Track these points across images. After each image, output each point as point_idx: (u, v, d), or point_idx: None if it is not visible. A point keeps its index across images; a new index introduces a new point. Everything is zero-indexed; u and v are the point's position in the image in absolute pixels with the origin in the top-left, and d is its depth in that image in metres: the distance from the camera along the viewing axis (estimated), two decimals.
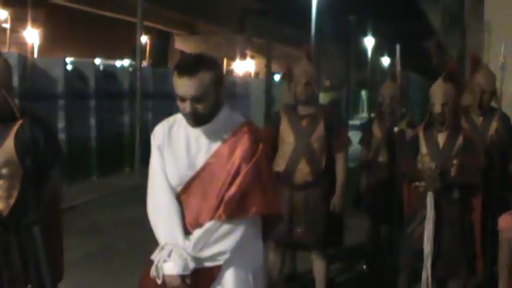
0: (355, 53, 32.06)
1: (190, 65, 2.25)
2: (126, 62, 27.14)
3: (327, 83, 28.12)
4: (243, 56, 33.40)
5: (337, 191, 4.16)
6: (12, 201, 2.70)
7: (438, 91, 3.70)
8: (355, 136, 5.08)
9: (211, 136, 2.35)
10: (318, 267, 4.27)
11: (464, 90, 4.40)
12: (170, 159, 2.39)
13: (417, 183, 3.71)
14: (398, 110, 5.17)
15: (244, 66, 34.67)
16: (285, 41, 31.10)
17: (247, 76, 31.24)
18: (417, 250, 3.69)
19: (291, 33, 31.24)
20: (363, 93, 38.24)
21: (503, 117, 4.60)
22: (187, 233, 2.34)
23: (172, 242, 2.32)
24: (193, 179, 2.36)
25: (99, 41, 30.74)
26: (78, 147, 10.15)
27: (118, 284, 4.89)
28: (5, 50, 22.12)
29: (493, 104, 4.62)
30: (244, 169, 2.29)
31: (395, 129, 4.91)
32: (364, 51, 38.05)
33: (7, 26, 26.80)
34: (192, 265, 2.29)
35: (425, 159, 3.74)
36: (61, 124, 9.67)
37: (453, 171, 3.65)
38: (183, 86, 2.24)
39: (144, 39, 27.27)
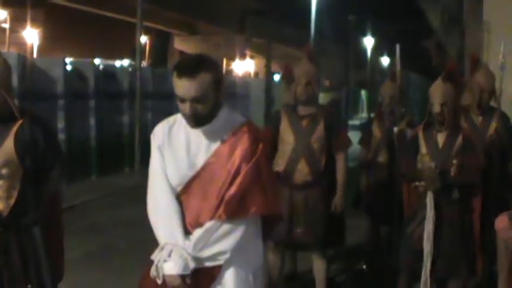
0: (354, 53, 32.08)
1: (190, 66, 2.25)
2: (125, 62, 27.12)
3: (327, 83, 28.10)
4: (243, 56, 33.40)
5: (338, 191, 4.17)
6: (12, 201, 2.70)
7: (437, 91, 3.70)
8: (354, 136, 5.08)
9: (211, 136, 2.35)
10: (318, 267, 4.27)
11: (464, 90, 4.41)
12: (170, 159, 2.39)
13: (417, 183, 3.71)
14: (398, 110, 5.17)
15: (243, 66, 34.67)
16: (284, 41, 31.10)
17: (246, 76, 31.24)
18: (417, 250, 3.69)
19: (290, 33, 31.25)
20: (363, 93, 38.26)
21: (503, 116, 4.60)
22: (187, 233, 2.35)
23: (173, 241, 2.32)
24: (193, 178, 2.36)
25: (99, 41, 30.73)
26: (77, 147, 10.15)
27: (118, 284, 4.89)
28: (5, 50, 22.11)
29: (493, 103, 4.63)
30: (244, 169, 2.30)
31: (395, 129, 4.91)
32: (364, 51, 38.06)
33: (6, 26, 26.79)
34: (192, 265, 2.29)
35: (425, 159, 3.74)
36: (61, 124, 9.67)
37: (453, 171, 3.66)
38: (183, 87, 2.24)
39: (144, 39, 27.27)
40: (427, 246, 3.63)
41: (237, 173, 2.30)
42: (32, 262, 2.73)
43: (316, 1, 23.15)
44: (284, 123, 4.18)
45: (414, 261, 3.75)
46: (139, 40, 11.81)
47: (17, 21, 26.75)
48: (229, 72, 31.11)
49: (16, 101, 2.86)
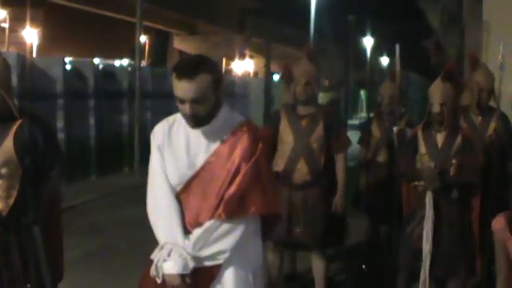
0: (354, 53, 32.08)
1: (189, 68, 2.25)
2: (125, 62, 27.09)
3: (326, 82, 28.11)
4: (242, 56, 33.40)
5: (338, 191, 4.17)
6: (11, 201, 2.71)
7: (437, 91, 3.70)
8: (354, 136, 5.09)
9: (211, 136, 2.35)
10: (318, 266, 4.28)
11: (463, 90, 4.41)
12: (170, 158, 2.39)
13: (416, 183, 3.71)
14: (397, 109, 5.18)
15: (243, 66, 34.66)
16: (284, 40, 31.11)
17: (246, 76, 31.24)
18: (416, 250, 3.69)
19: (290, 33, 31.25)
20: (362, 93, 38.26)
21: (502, 116, 4.61)
22: (187, 232, 2.35)
23: (172, 241, 2.32)
24: (193, 178, 2.36)
25: (98, 41, 30.71)
26: (77, 147, 10.15)
27: (117, 283, 4.89)
28: (4, 49, 22.09)
29: (492, 103, 4.63)
30: (244, 168, 2.30)
31: (395, 129, 4.91)
32: (363, 51, 38.07)
33: (6, 25, 26.77)
34: (191, 264, 2.30)
35: (424, 159, 3.74)
36: (60, 124, 9.67)
37: (452, 170, 3.66)
38: (183, 88, 2.24)
39: (143, 39, 27.24)
40: (426, 246, 3.63)
41: (236, 172, 2.30)
42: (32, 262, 2.73)
43: (315, 1, 23.15)
44: (283, 123, 4.18)
45: (413, 261, 3.75)
46: (138, 40, 11.81)
47: (17, 21, 26.72)
48: (229, 71, 31.11)
49: (15, 101, 2.86)
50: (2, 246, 2.69)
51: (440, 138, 3.75)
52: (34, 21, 26.74)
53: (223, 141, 2.35)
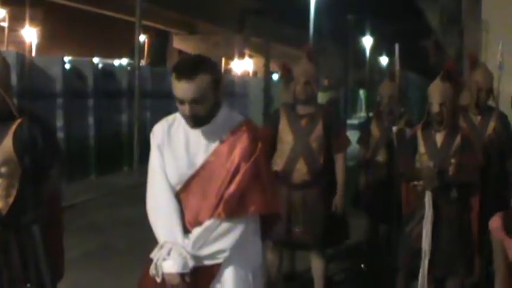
0: (353, 53, 32.10)
1: (189, 69, 2.25)
2: (124, 61, 27.07)
3: (326, 82, 28.14)
4: (242, 56, 33.39)
5: (338, 191, 4.17)
6: (11, 200, 2.71)
7: (436, 91, 3.71)
8: (353, 135, 5.09)
9: (211, 135, 2.36)
10: (317, 266, 4.28)
11: (462, 90, 4.41)
12: (170, 158, 2.40)
13: (415, 183, 3.71)
14: (397, 109, 5.18)
15: (242, 66, 34.65)
16: (283, 40, 31.10)
17: (245, 75, 31.24)
18: (415, 249, 3.69)
19: (289, 32, 31.24)
20: (361, 92, 38.29)
21: (501, 116, 4.61)
22: (186, 231, 2.35)
23: (172, 240, 2.33)
24: (192, 177, 2.36)
25: (98, 40, 30.67)
26: (76, 146, 10.15)
27: (117, 282, 4.89)
28: (3, 48, 22.08)
29: (491, 103, 4.64)
30: (244, 168, 2.30)
31: (394, 128, 4.91)
32: (363, 50, 38.08)
33: (5, 24, 26.74)
34: (191, 263, 2.30)
35: (424, 159, 3.74)
36: (59, 123, 9.67)
37: (451, 170, 3.66)
38: (182, 89, 2.24)
39: (143, 38, 27.25)
40: (425, 245, 3.63)
41: (236, 171, 2.30)
42: (32, 261, 2.73)
43: (315, 1, 23.16)
44: (283, 122, 4.18)
45: (412, 260, 3.75)
46: (138, 39, 11.81)
47: (16, 20, 26.69)
48: (228, 71, 31.10)
49: (15, 100, 2.86)
50: (2, 245, 2.69)
51: (439, 137, 3.75)
52: (33, 21, 26.72)
53: (222, 141, 2.35)
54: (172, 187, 2.39)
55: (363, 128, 5.55)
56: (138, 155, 10.85)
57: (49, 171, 2.82)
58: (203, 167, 2.35)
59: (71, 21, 28.90)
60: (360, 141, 5.36)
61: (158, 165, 2.41)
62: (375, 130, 5.20)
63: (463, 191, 3.69)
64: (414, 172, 3.75)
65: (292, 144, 4.12)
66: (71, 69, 10.61)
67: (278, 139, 4.17)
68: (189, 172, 2.36)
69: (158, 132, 2.44)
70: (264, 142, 2.41)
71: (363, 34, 37.84)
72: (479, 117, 4.55)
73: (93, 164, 10.63)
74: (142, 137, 10.54)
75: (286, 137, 4.15)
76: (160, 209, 2.39)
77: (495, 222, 2.95)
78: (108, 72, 11.81)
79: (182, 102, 2.27)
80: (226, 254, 2.33)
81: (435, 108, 3.67)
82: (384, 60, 46.04)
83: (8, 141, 2.71)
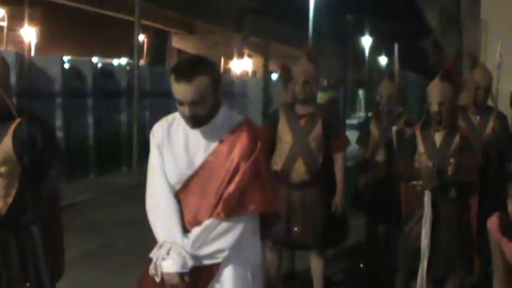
0: (352, 53, 32.07)
1: (187, 70, 2.25)
2: (123, 61, 27.05)
3: (325, 82, 28.14)
4: (241, 55, 33.39)
5: (338, 191, 4.17)
6: (10, 199, 2.71)
7: (435, 90, 3.71)
8: (352, 135, 5.09)
9: (210, 135, 2.36)
10: (316, 266, 4.28)
11: (462, 90, 4.41)
12: (169, 157, 2.40)
13: (414, 182, 3.71)
14: (396, 109, 5.18)
15: (241, 65, 34.64)
16: (282, 40, 31.09)
17: (244, 75, 31.24)
18: (414, 249, 3.70)
19: (288, 32, 31.24)
20: (360, 92, 38.29)
21: (500, 116, 4.62)
22: (186, 231, 2.36)
23: (171, 240, 2.33)
24: (192, 177, 2.37)
25: (97, 40, 30.64)
26: (75, 146, 10.15)
27: (117, 282, 4.89)
28: (2, 48, 22.07)
29: (490, 102, 4.64)
30: (243, 167, 2.31)
31: (393, 128, 4.91)
32: (362, 50, 38.08)
33: (4, 24, 26.72)
34: (190, 263, 2.30)
35: (423, 158, 3.74)
36: (58, 123, 9.66)
37: (450, 170, 3.66)
38: (181, 91, 2.25)
39: (142, 37, 27.20)
40: (424, 245, 3.64)
41: (235, 171, 2.31)
42: (31, 261, 2.73)
43: (314, 0, 23.15)
44: (282, 122, 4.18)
45: (411, 260, 3.75)
46: (137, 39, 11.80)
47: (15, 20, 26.67)
48: (227, 71, 31.10)
49: (14, 100, 2.87)
50: (1, 245, 2.70)
51: (438, 137, 3.75)
52: (32, 20, 26.71)
53: (222, 141, 2.35)
54: (171, 187, 2.39)
55: (362, 127, 5.55)
56: (137, 154, 10.85)
57: (48, 170, 2.83)
58: (202, 166, 2.36)
59: (70, 21, 28.88)
60: (359, 141, 5.36)
61: (158, 165, 2.41)
62: (374, 130, 5.20)
63: (462, 191, 3.69)
64: (413, 172, 3.75)
65: (291, 144, 4.12)
66: (70, 68, 10.61)
67: (277, 139, 4.17)
68: (189, 172, 2.37)
69: (158, 132, 2.44)
70: (264, 142, 2.42)
71: (362, 34, 37.84)
72: (478, 117, 4.55)
73: (93, 164, 10.62)
74: (141, 137, 10.54)
75: (285, 136, 4.15)
76: (159, 208, 2.39)
77: (492, 223, 2.95)
78: (107, 72, 11.81)
79: (182, 103, 2.27)
80: (225, 254, 2.34)
81: (434, 107, 3.67)
82: (383, 60, 46.04)
83: (8, 141, 2.71)
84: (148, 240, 2.44)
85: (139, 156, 10.63)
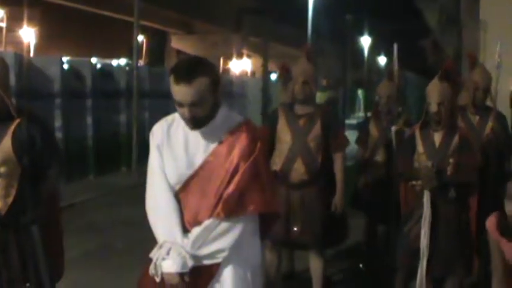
0: (351, 52, 32.10)
1: (187, 72, 2.25)
2: (122, 61, 27.09)
3: (324, 82, 28.12)
4: (240, 55, 33.40)
5: (337, 191, 4.16)
6: (10, 199, 2.71)
7: (434, 90, 3.71)
8: (351, 135, 5.09)
9: (210, 135, 2.36)
10: (315, 266, 4.28)
11: (461, 90, 4.42)
12: (169, 158, 2.40)
13: (414, 182, 3.71)
14: (395, 109, 5.18)
15: (240, 65, 34.66)
16: (281, 40, 31.11)
17: (243, 75, 31.25)
18: (414, 249, 3.70)
19: (287, 32, 31.25)
20: (360, 92, 38.28)
21: (499, 116, 4.62)
22: (186, 231, 2.36)
23: (171, 240, 2.33)
24: (191, 177, 2.37)
25: (96, 40, 30.66)
26: (75, 146, 10.14)
27: (117, 282, 4.90)
28: (1, 49, 22.08)
29: (489, 103, 4.64)
30: (243, 167, 2.31)
31: (393, 128, 4.92)
32: (361, 50, 38.11)
33: (3, 25, 26.73)
34: (190, 263, 2.30)
35: (422, 158, 3.75)
36: (58, 123, 9.66)
37: (449, 170, 3.66)
38: (181, 92, 2.25)
39: (141, 38, 27.23)
40: (424, 245, 3.64)
41: (235, 171, 2.31)
42: (31, 261, 2.73)
43: (313, 0, 23.16)
44: (281, 122, 4.19)
45: (411, 260, 3.75)
46: (136, 39, 11.80)
47: (14, 20, 26.67)
48: (226, 71, 31.11)
49: (13, 100, 2.87)
50: (1, 245, 2.70)
51: (437, 137, 3.75)
52: (31, 21, 26.70)
53: (221, 141, 2.36)
54: (171, 187, 2.39)
55: (362, 127, 5.55)
56: (136, 155, 10.85)
57: (48, 171, 2.83)
58: (202, 167, 2.36)
59: (69, 22, 28.89)
60: (358, 141, 5.36)
61: (157, 165, 2.41)
62: (373, 130, 5.20)
63: (461, 191, 3.69)
64: (412, 172, 3.75)
65: (290, 144, 4.12)
66: (69, 69, 10.61)
67: (276, 139, 4.17)
68: (188, 172, 2.37)
69: (157, 133, 2.44)
70: (263, 142, 2.42)
71: (361, 34, 37.87)
72: (477, 117, 4.56)
73: (92, 164, 10.62)
74: (140, 137, 10.54)
75: (284, 136, 4.15)
76: (159, 208, 2.39)
77: (490, 223, 2.95)
78: (107, 73, 11.81)
79: (181, 105, 2.27)
80: (225, 254, 2.34)
81: (433, 107, 3.68)
82: (382, 60, 46.08)
83: (7, 141, 2.71)
84: (148, 240, 2.44)
85: (139, 156, 10.63)
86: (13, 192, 2.72)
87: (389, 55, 33.41)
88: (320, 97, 18.78)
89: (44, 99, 9.46)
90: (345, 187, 4.21)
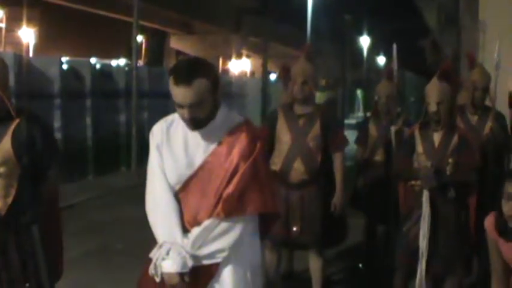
0: (350, 52, 32.07)
1: (186, 73, 2.26)
2: (121, 61, 27.11)
3: (323, 82, 28.09)
4: (239, 55, 33.40)
5: (337, 190, 4.17)
6: (10, 199, 2.71)
7: (433, 90, 3.71)
8: (351, 135, 5.10)
9: (209, 136, 2.37)
10: (315, 266, 4.28)
11: (460, 89, 4.42)
12: (169, 158, 2.41)
13: (413, 182, 3.72)
14: (394, 109, 5.18)
15: (240, 66, 34.67)
16: (281, 40, 31.10)
17: (243, 75, 31.26)
18: (413, 249, 3.70)
19: (287, 32, 31.25)
20: (359, 92, 38.28)
21: (498, 115, 4.63)
22: (185, 231, 2.36)
23: (171, 240, 2.33)
24: (191, 177, 2.37)
25: (95, 40, 30.66)
26: (74, 147, 10.14)
27: (116, 282, 4.90)
28: (1, 49, 22.08)
29: (488, 103, 4.65)
30: (242, 167, 2.31)
31: (392, 128, 4.92)
32: (360, 50, 38.09)
33: (2, 25, 26.74)
34: (190, 263, 2.31)
35: (421, 158, 3.75)
36: (57, 123, 9.66)
37: (448, 169, 3.66)
38: (180, 94, 2.25)
39: (140, 38, 27.24)
40: (423, 245, 3.64)
41: (235, 171, 2.31)
42: (31, 261, 2.73)
43: (312, 0, 23.16)
44: (281, 122, 4.19)
45: (410, 260, 3.76)
46: (135, 39, 11.81)
47: (13, 21, 26.68)
48: (226, 71, 31.11)
49: (13, 100, 2.87)
50: (1, 245, 2.70)
51: (437, 137, 3.76)
52: (30, 21, 26.71)
53: (221, 141, 2.36)
54: (171, 187, 2.40)
55: (361, 127, 5.55)
56: (135, 155, 10.85)
57: (47, 171, 2.83)
58: (202, 167, 2.36)
59: (68, 22, 28.89)
60: (357, 141, 5.36)
61: (157, 165, 2.41)
62: (372, 130, 5.21)
63: (461, 191, 3.69)
64: (412, 172, 3.75)
65: (290, 144, 4.12)
66: (68, 69, 10.61)
67: (276, 139, 4.18)
68: (188, 172, 2.37)
69: (157, 133, 2.44)
70: (263, 142, 2.42)
71: (361, 34, 37.85)
72: (476, 117, 4.57)
73: (91, 165, 10.62)
74: (140, 137, 10.55)
75: (284, 136, 4.15)
76: (159, 208, 2.39)
77: (488, 223, 2.95)
78: (106, 73, 11.81)
79: (181, 106, 2.28)
80: (225, 254, 2.34)
81: (432, 107, 3.68)
82: (381, 60, 46.06)
83: (7, 141, 2.71)
84: (148, 240, 2.45)
85: (138, 156, 10.64)
86: (13, 192, 2.72)
87: (388, 55, 33.38)
88: (319, 97, 18.75)
89: (43, 99, 9.46)
90: (344, 187, 4.21)
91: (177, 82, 2.25)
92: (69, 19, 28.28)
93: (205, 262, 2.34)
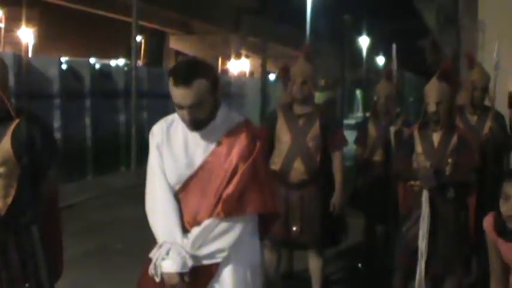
0: (350, 53, 32.11)
1: (186, 74, 2.26)
2: (121, 62, 27.12)
3: (322, 82, 28.11)
4: (238, 56, 33.41)
5: (336, 190, 4.17)
6: (9, 199, 2.71)
7: (433, 90, 3.71)
8: (350, 135, 5.10)
9: (209, 136, 2.37)
10: (315, 265, 4.29)
11: (459, 89, 4.43)
12: (168, 158, 2.41)
13: (412, 182, 3.72)
14: (394, 109, 5.19)
15: (239, 66, 34.68)
16: (280, 40, 31.12)
17: (242, 75, 31.27)
18: (412, 249, 3.70)
19: (286, 32, 31.28)
20: (358, 92, 38.31)
21: (497, 115, 4.63)
22: (185, 231, 2.36)
23: (171, 240, 2.33)
24: (191, 177, 2.37)
25: (94, 41, 30.67)
26: (73, 147, 10.14)
27: (116, 282, 4.90)
28: (0, 49, 22.06)
29: (487, 102, 4.65)
30: (242, 167, 2.32)
31: (391, 128, 4.92)
32: (359, 50, 38.14)
33: (1, 25, 26.73)
34: (190, 263, 2.31)
35: (420, 158, 3.75)
36: (56, 123, 9.66)
37: (448, 169, 3.67)
38: (180, 95, 2.25)
39: (139, 38, 27.22)
40: (422, 245, 3.64)
41: (234, 171, 2.32)
42: (31, 261, 2.73)
43: (311, 0, 23.18)
44: (280, 122, 4.19)
45: (409, 260, 3.76)
46: (134, 39, 11.81)
47: (12, 21, 26.67)
48: (225, 71, 31.11)
49: (12, 101, 2.87)
50: (1, 245, 2.70)
51: (436, 137, 3.76)
52: (30, 21, 26.71)
53: (221, 141, 2.36)
54: (171, 187, 2.40)
55: (360, 127, 5.55)
56: (135, 155, 10.85)
57: (47, 171, 2.83)
58: (202, 167, 2.36)
59: (68, 22, 28.89)
60: (357, 141, 5.36)
61: (157, 165, 2.41)
62: (372, 130, 5.21)
63: (460, 191, 3.70)
64: (411, 172, 3.76)
65: (289, 144, 4.13)
66: (67, 69, 10.61)
67: (276, 139, 4.18)
68: (188, 172, 2.37)
69: (157, 133, 2.44)
70: (262, 142, 2.42)
71: (360, 34, 37.91)
72: (475, 117, 4.57)
73: (91, 165, 10.62)
74: (139, 137, 10.55)
75: (283, 136, 4.16)
76: (159, 209, 2.39)
77: (487, 223, 2.96)
78: (105, 73, 11.81)
79: (181, 107, 2.28)
80: (225, 254, 2.34)
81: (432, 107, 3.68)
82: (380, 60, 46.10)
83: (7, 141, 2.71)
84: (148, 240, 2.45)
85: (138, 156, 10.63)
86: (12, 192, 2.71)
87: (387, 55, 33.40)
88: (319, 97, 18.78)
89: (43, 99, 9.46)
90: (343, 187, 4.22)
91: (177, 83, 2.25)
92: (69, 19, 28.28)
93: (205, 262, 2.35)
